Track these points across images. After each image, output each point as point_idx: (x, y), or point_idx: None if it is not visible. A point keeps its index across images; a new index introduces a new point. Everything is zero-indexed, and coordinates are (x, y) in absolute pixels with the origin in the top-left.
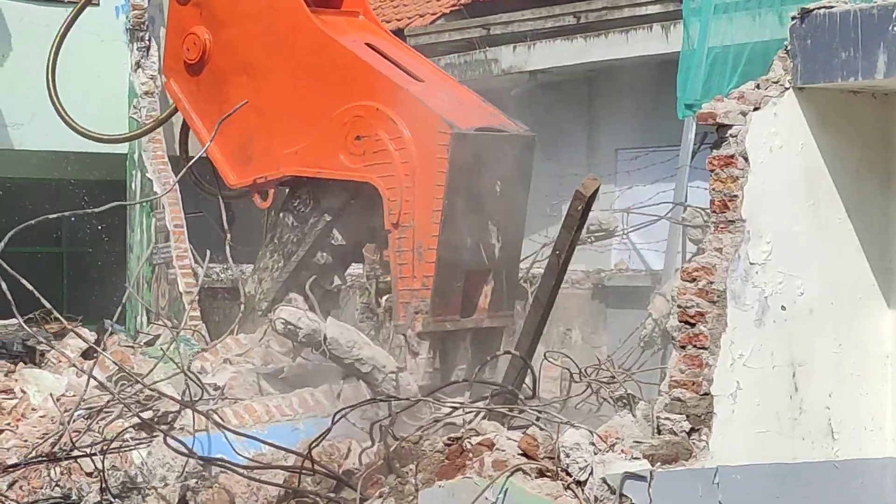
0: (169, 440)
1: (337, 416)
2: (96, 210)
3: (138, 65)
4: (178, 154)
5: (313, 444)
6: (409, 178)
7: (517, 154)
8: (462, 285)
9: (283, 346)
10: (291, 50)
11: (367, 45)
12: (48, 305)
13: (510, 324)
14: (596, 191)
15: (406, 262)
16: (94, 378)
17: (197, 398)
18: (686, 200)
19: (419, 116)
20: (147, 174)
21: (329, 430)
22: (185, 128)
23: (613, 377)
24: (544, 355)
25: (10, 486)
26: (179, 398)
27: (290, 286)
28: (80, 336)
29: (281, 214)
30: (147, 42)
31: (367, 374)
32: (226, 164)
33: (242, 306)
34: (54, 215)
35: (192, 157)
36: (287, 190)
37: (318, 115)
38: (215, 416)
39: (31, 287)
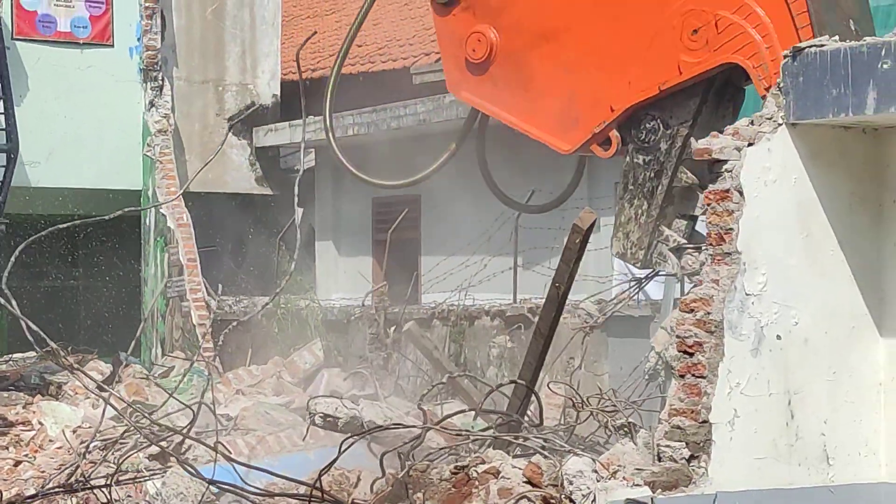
0: (185, 466)
1: (344, 445)
2: (108, 217)
3: (152, 104)
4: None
5: (322, 472)
6: (766, 37)
7: None
8: None
9: (294, 378)
10: None
11: None
12: (53, 345)
13: None
14: (593, 224)
15: None
16: (113, 406)
17: (201, 429)
18: None
19: None
20: (161, 210)
21: (336, 458)
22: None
23: (615, 407)
24: (547, 385)
25: None
26: (185, 429)
27: (660, 223)
28: (84, 374)
29: (628, 158)
30: (160, 82)
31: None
32: (552, 137)
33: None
34: (65, 224)
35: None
36: (625, 136)
37: (639, 36)
38: (222, 447)
39: (33, 325)
